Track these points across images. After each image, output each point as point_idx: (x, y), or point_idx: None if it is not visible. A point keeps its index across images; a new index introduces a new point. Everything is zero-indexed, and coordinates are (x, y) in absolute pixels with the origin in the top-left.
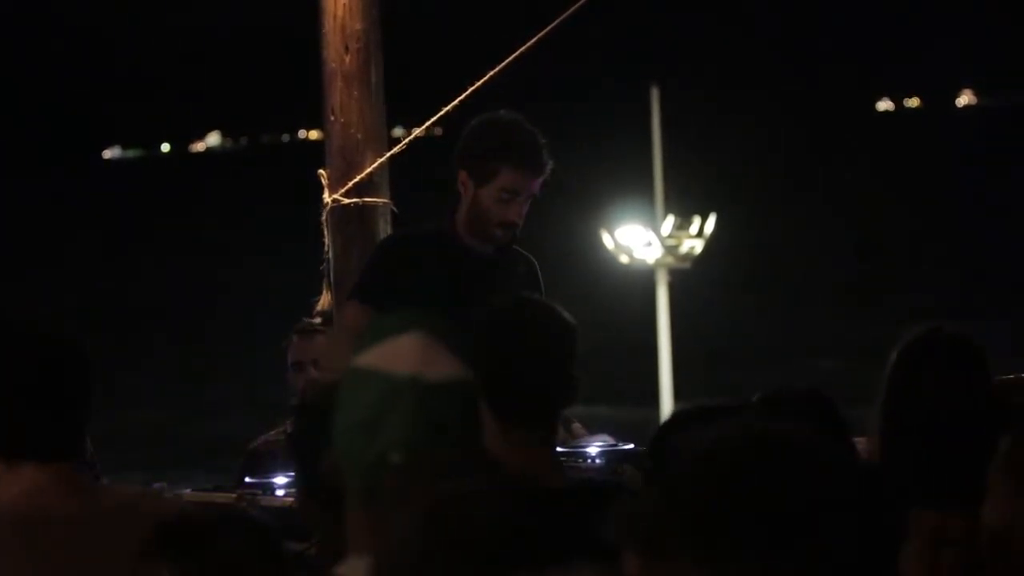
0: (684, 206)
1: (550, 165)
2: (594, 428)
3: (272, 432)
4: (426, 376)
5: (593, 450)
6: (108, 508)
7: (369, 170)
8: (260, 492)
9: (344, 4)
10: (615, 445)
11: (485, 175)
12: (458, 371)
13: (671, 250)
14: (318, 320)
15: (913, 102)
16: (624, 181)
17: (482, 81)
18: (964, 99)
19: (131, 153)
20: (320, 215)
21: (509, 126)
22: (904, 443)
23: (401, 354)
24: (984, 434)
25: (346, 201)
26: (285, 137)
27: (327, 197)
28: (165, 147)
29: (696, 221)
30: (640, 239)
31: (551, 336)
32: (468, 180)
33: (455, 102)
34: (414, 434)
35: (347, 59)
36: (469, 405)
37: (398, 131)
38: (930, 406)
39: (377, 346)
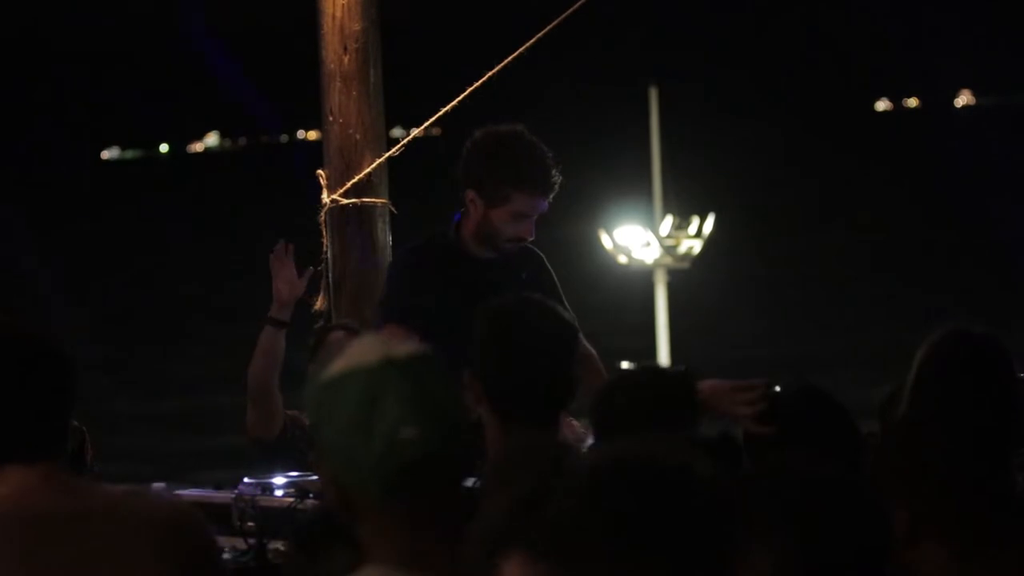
0: (683, 206)
1: (559, 181)
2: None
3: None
4: (397, 354)
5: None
6: (100, 507)
7: (368, 170)
8: (260, 492)
9: (342, 5)
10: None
11: (496, 199)
12: (420, 347)
13: (670, 250)
14: (322, 321)
15: (912, 102)
16: (622, 181)
17: (481, 81)
18: (963, 99)
19: (129, 154)
20: (318, 215)
21: (520, 149)
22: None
23: (364, 348)
24: (1009, 435)
25: (344, 201)
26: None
27: (326, 197)
28: (163, 147)
29: (695, 221)
30: (638, 239)
31: (551, 335)
32: (478, 199)
33: (454, 102)
34: (415, 406)
35: (346, 60)
36: (446, 374)
37: (397, 131)
38: (954, 407)
39: (336, 358)
